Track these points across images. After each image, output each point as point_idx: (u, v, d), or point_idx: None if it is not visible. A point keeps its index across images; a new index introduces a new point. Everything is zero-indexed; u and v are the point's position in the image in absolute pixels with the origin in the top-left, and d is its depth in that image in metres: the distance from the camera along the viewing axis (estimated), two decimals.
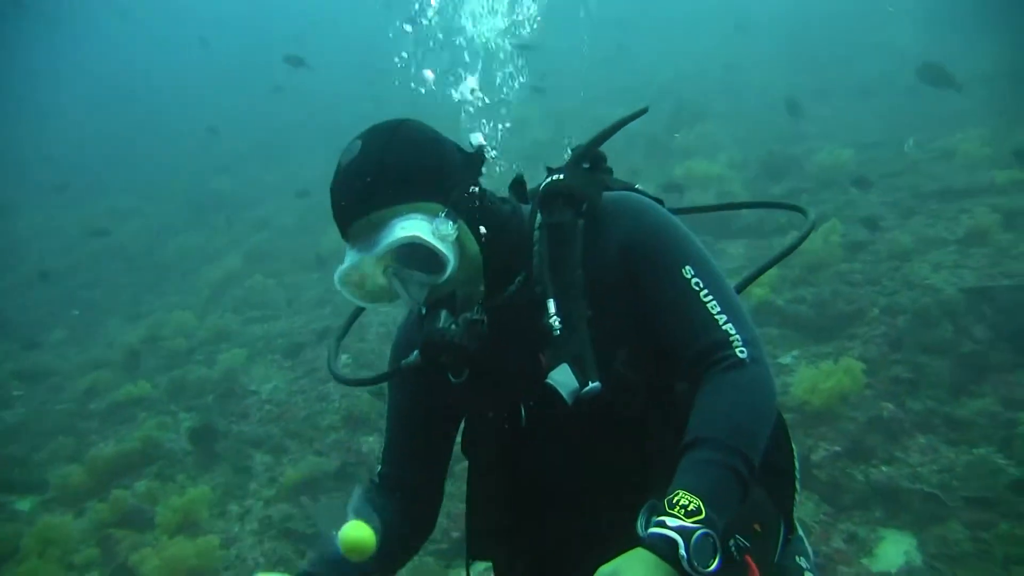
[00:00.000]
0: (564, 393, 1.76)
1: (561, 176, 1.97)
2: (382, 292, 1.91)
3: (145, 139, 31.09)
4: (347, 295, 1.93)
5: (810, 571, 2.03)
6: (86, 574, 6.97)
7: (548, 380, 1.79)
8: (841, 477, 7.00)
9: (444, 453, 2.20)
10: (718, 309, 1.78)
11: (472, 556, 2.19)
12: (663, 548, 1.49)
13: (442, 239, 1.80)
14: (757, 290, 9.73)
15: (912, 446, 7.20)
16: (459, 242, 1.85)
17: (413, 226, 1.77)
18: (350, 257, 1.84)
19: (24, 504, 8.65)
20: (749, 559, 1.71)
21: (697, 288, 1.80)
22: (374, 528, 1.74)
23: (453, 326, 1.84)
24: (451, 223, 1.82)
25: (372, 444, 8.87)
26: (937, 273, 9.32)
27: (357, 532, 1.70)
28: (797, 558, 2.04)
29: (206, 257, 19.73)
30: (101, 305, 18.18)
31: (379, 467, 2.15)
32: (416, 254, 1.81)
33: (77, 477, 8.58)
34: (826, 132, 17.31)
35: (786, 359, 8.63)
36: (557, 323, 1.79)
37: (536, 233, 1.96)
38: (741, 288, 2.27)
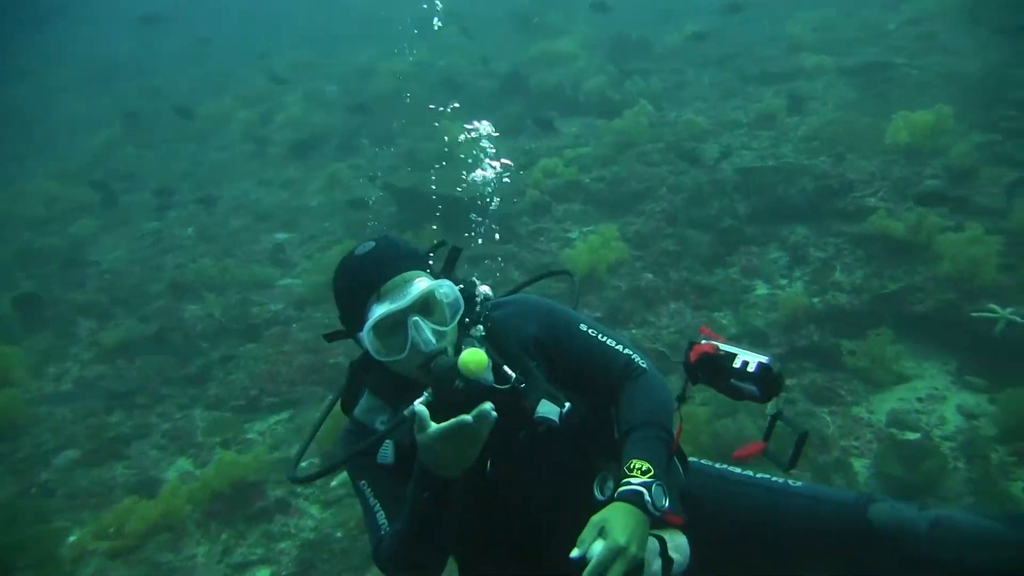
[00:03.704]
0: (553, 418, 2.30)
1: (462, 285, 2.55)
2: (398, 343, 2.26)
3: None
4: (371, 343, 2.26)
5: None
6: None
7: (536, 416, 2.30)
8: None
9: None
10: (614, 343, 2.48)
11: None
12: (634, 498, 2.10)
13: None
14: (566, 170, 10.42)
15: (664, 311, 8.09)
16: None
17: (435, 283, 2.30)
18: (383, 308, 2.22)
19: None
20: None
21: (595, 334, 2.50)
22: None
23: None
24: (456, 289, 2.34)
25: (194, 311, 9.46)
26: (725, 154, 10.09)
27: (473, 355, 2.17)
28: None
29: (93, 123, 19.45)
30: None
31: (385, 532, 2.35)
32: (431, 308, 2.29)
33: None
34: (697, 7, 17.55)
35: (574, 233, 9.37)
36: (518, 379, 2.33)
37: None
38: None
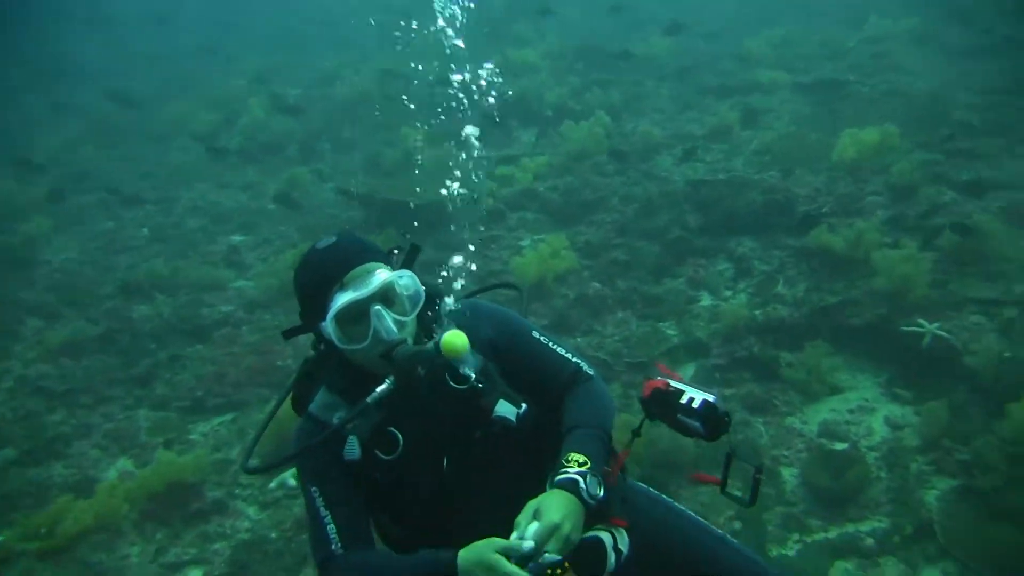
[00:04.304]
0: (511, 418, 2.40)
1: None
2: (361, 332, 2.31)
3: None
4: (334, 332, 2.30)
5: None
6: None
7: (495, 415, 2.39)
8: None
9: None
10: (563, 351, 2.61)
11: None
12: (569, 486, 2.20)
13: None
14: (523, 176, 10.51)
15: (610, 320, 8.17)
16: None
17: (396, 273, 2.36)
18: (347, 296, 2.27)
19: None
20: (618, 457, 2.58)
21: (546, 342, 2.61)
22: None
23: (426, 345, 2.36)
24: (416, 280, 2.41)
25: (144, 311, 9.39)
26: (678, 166, 10.25)
27: (455, 337, 2.27)
28: None
29: (51, 124, 19.26)
30: None
31: (336, 547, 2.35)
32: (392, 298, 2.35)
33: None
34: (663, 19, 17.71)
35: (526, 242, 9.45)
36: (477, 379, 2.40)
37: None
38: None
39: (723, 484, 2.45)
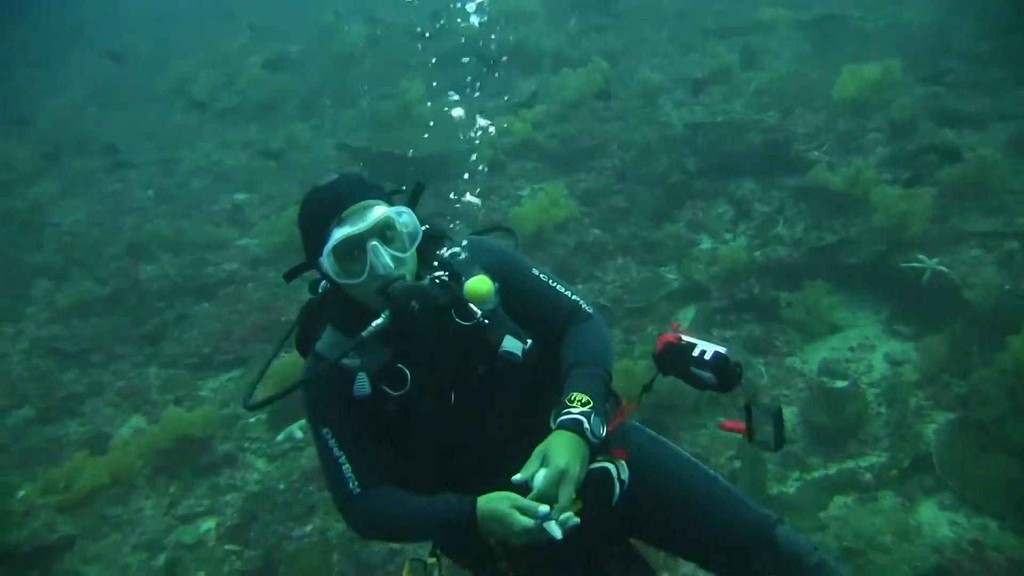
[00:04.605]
0: (517, 353, 2.43)
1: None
2: (358, 268, 2.33)
3: None
4: (331, 266, 2.32)
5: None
6: None
7: (501, 350, 2.42)
8: None
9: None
10: (562, 288, 2.62)
11: None
12: (573, 426, 2.23)
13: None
14: (520, 126, 10.46)
15: (611, 266, 8.20)
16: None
17: (394, 209, 2.36)
18: (344, 231, 2.28)
19: None
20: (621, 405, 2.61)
21: (546, 279, 2.62)
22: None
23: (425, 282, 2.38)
24: (415, 218, 2.41)
25: (149, 272, 9.48)
26: (676, 110, 10.17)
27: (479, 283, 2.33)
28: None
29: (52, 87, 19.25)
30: None
31: (354, 486, 2.40)
32: (390, 235, 2.35)
33: None
34: None
35: (525, 191, 9.44)
36: (482, 315, 2.43)
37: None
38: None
39: (751, 434, 2.48)
